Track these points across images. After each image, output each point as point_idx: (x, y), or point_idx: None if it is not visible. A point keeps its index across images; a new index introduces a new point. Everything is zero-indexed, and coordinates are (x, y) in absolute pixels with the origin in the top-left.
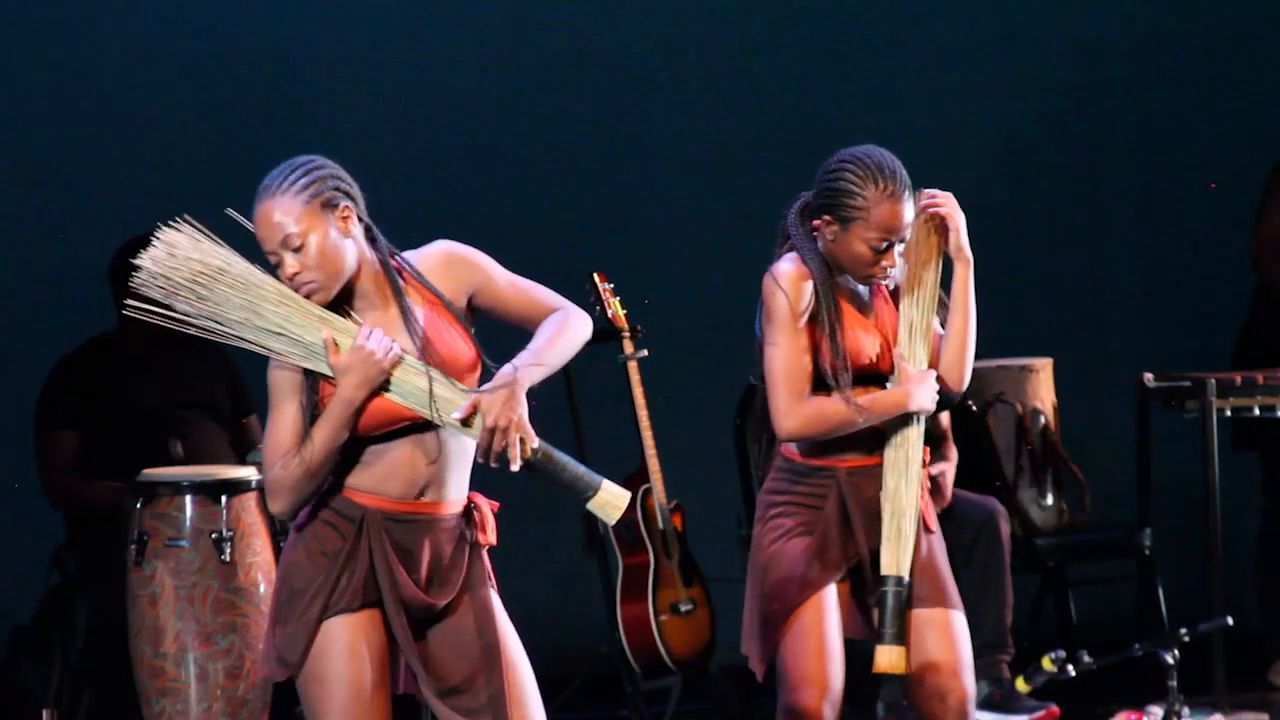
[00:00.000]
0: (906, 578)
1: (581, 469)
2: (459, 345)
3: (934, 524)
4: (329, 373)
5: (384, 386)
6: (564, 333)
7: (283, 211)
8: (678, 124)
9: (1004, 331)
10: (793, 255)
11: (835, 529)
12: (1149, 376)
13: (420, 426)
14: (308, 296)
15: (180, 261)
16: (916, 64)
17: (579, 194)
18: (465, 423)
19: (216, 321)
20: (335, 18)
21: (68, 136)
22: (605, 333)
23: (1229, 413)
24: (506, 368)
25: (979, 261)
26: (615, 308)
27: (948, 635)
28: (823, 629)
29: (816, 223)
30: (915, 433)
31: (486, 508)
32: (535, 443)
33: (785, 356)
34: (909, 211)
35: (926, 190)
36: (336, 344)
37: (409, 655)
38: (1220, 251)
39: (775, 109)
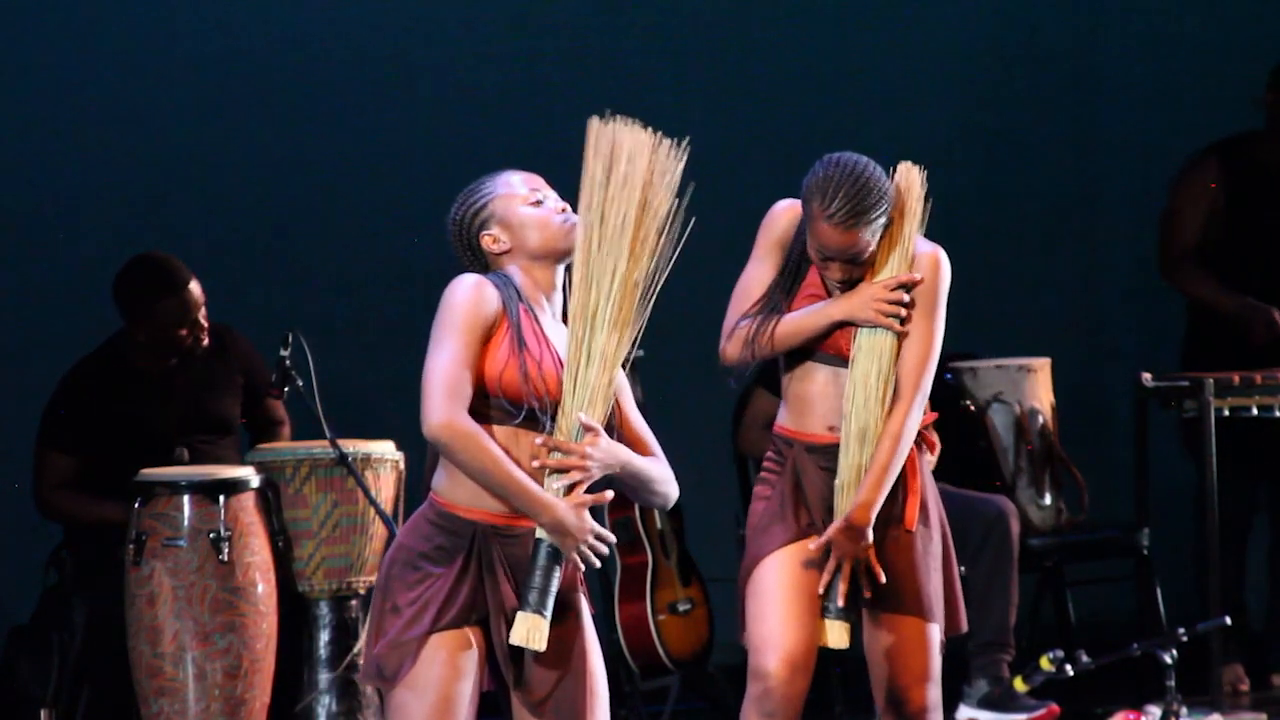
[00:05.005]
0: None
1: (551, 591)
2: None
3: (912, 523)
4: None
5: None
6: (658, 476)
7: None
8: (677, 124)
9: (1002, 331)
10: None
11: (789, 503)
12: (1147, 376)
13: (523, 423)
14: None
15: (634, 163)
16: (914, 63)
17: (578, 193)
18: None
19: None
20: (335, 19)
21: (67, 139)
22: None
23: (1227, 412)
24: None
25: (978, 261)
26: None
27: (915, 646)
28: (780, 593)
29: None
30: (867, 410)
31: None
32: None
33: (742, 279)
34: (851, 241)
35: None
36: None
37: (507, 671)
38: None
39: (775, 109)
